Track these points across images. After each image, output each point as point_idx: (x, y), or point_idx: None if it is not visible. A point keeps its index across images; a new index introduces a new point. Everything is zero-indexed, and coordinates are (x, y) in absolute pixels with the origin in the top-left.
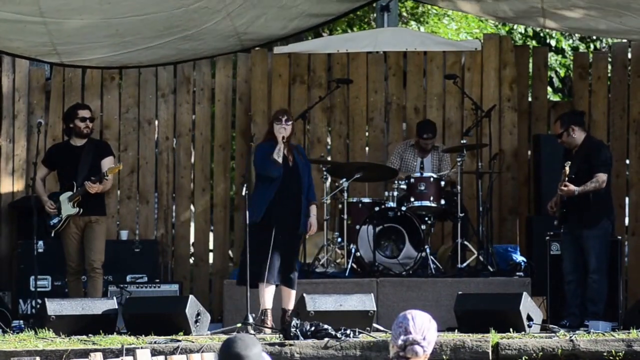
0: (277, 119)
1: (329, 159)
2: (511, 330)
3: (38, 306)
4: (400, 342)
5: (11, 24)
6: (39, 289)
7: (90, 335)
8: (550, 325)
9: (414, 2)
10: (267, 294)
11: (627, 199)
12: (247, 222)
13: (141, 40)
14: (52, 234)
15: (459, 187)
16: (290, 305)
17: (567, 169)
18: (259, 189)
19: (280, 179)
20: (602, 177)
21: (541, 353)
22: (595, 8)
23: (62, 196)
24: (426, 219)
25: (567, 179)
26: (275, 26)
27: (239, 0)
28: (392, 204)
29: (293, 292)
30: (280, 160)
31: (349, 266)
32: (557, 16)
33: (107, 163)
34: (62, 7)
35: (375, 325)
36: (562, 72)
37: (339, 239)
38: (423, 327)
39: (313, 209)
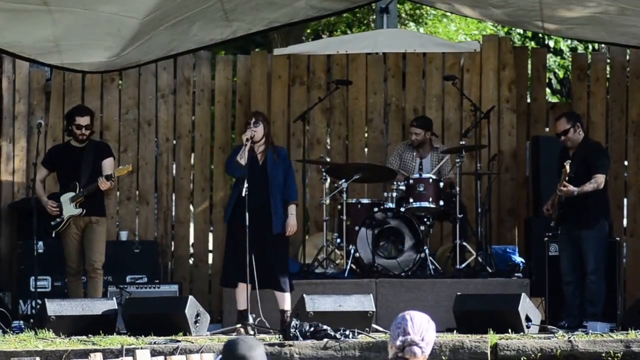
0: (246, 123)
1: (328, 159)
2: (510, 331)
3: (38, 307)
4: (398, 342)
5: (15, 14)
6: (39, 290)
7: (90, 335)
8: (549, 326)
9: (413, 3)
10: (240, 295)
11: (625, 200)
12: (247, 223)
13: (138, 37)
14: (53, 235)
15: (457, 188)
16: (287, 306)
17: (567, 167)
18: (234, 184)
19: (246, 180)
20: (601, 178)
21: (540, 354)
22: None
23: (63, 197)
24: (425, 219)
25: (567, 178)
26: (266, 9)
27: None
28: (391, 205)
29: (287, 295)
30: (243, 161)
31: (348, 267)
32: (556, 19)
33: (107, 164)
34: None
35: (374, 325)
36: (560, 74)
37: (338, 240)
38: (422, 328)
39: (291, 209)
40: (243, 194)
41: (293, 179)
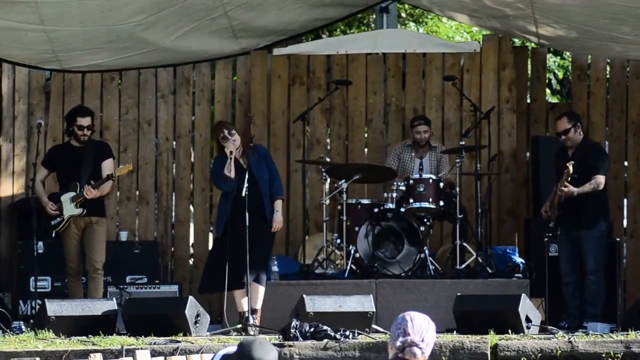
0: (222, 137)
1: (328, 160)
2: (510, 331)
3: (38, 307)
4: (398, 343)
5: (11, 32)
6: (39, 290)
7: (90, 336)
8: (549, 327)
9: (412, 6)
10: (240, 296)
11: (625, 201)
12: (247, 223)
13: (140, 44)
14: (53, 234)
15: (457, 189)
16: (258, 305)
17: (570, 168)
18: (221, 199)
19: (236, 188)
20: (601, 179)
21: (540, 354)
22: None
23: (64, 197)
24: (425, 220)
25: (569, 179)
26: (270, 18)
27: (238, 1)
28: (391, 205)
29: (261, 288)
30: (232, 174)
31: (348, 267)
32: (548, 37)
33: (107, 165)
34: (62, 15)
35: (374, 326)
36: (560, 74)
37: (338, 240)
38: (422, 329)
39: (277, 205)
40: (243, 194)
41: (277, 175)
